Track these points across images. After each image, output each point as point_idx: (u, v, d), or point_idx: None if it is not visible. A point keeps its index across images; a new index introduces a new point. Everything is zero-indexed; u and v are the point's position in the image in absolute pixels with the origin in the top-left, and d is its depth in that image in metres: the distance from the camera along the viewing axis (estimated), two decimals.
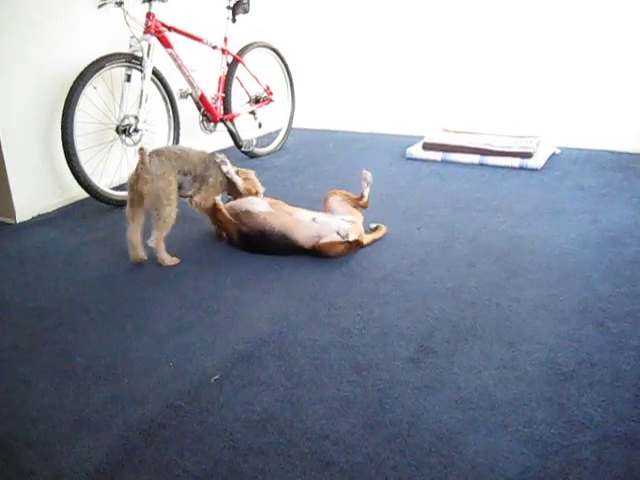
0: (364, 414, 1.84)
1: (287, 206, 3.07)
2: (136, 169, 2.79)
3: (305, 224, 2.92)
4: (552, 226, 3.25)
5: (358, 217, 3.11)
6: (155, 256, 2.88)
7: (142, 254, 2.88)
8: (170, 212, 2.82)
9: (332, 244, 2.86)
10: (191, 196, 3.02)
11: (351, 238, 2.83)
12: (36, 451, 1.72)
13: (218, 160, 3.06)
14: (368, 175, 3.15)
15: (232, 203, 3.10)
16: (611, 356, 2.09)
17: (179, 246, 3.05)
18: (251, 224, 2.94)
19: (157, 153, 2.86)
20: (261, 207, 2.99)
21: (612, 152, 4.70)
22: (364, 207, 3.20)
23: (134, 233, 2.85)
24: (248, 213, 2.97)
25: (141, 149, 2.79)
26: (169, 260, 2.88)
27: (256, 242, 2.95)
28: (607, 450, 1.67)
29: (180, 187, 2.94)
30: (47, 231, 3.38)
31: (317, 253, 2.89)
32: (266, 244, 2.93)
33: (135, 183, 2.78)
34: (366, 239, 3.02)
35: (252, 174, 3.27)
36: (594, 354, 2.11)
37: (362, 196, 3.18)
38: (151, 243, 2.84)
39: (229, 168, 3.09)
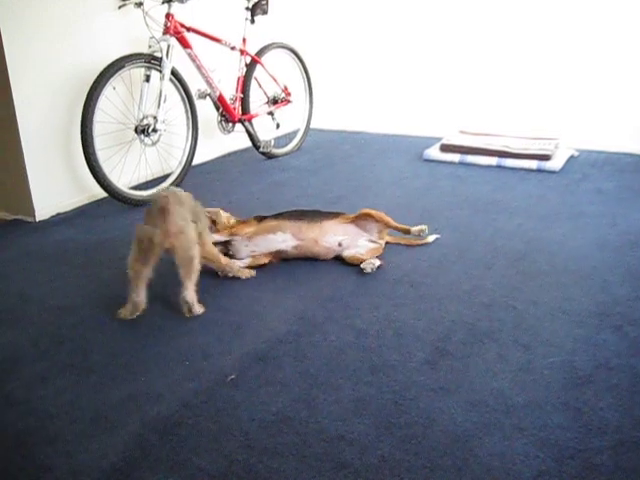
0: (379, 415, 1.84)
1: (314, 229, 2.86)
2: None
3: (331, 250, 2.88)
4: (570, 229, 3.23)
5: (383, 241, 2.99)
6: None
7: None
8: (199, 261, 2.46)
9: (352, 258, 2.87)
10: None
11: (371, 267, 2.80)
12: (53, 447, 1.74)
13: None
14: (424, 231, 3.01)
15: (256, 247, 2.85)
16: (629, 360, 2.08)
17: None
18: (283, 256, 2.88)
19: (179, 204, 2.44)
20: (288, 243, 2.84)
21: (631, 155, 4.66)
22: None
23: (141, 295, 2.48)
24: (279, 252, 2.86)
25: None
26: (199, 308, 2.48)
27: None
28: (624, 455, 1.66)
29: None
30: (66, 230, 3.41)
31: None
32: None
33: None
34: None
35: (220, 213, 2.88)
36: (611, 358, 2.09)
37: (409, 231, 3.02)
38: (188, 297, 2.43)
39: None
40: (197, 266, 2.42)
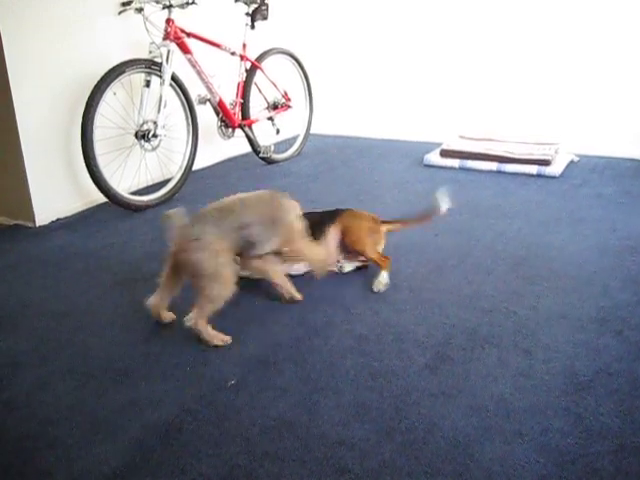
0: (380, 420, 1.84)
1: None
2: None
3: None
4: (570, 234, 3.23)
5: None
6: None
7: (167, 314, 2.41)
8: (220, 291, 2.22)
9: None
10: (276, 252, 2.46)
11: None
12: (54, 452, 1.74)
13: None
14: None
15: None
16: (629, 365, 2.08)
17: None
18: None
19: (197, 220, 2.26)
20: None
21: (631, 160, 4.66)
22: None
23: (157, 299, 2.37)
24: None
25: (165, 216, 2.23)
26: (217, 339, 2.26)
27: None
28: (625, 460, 1.66)
29: (249, 247, 2.34)
30: (66, 235, 3.41)
31: None
32: None
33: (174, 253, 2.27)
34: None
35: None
36: (612, 363, 2.09)
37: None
38: (189, 322, 2.25)
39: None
40: (211, 292, 2.21)
